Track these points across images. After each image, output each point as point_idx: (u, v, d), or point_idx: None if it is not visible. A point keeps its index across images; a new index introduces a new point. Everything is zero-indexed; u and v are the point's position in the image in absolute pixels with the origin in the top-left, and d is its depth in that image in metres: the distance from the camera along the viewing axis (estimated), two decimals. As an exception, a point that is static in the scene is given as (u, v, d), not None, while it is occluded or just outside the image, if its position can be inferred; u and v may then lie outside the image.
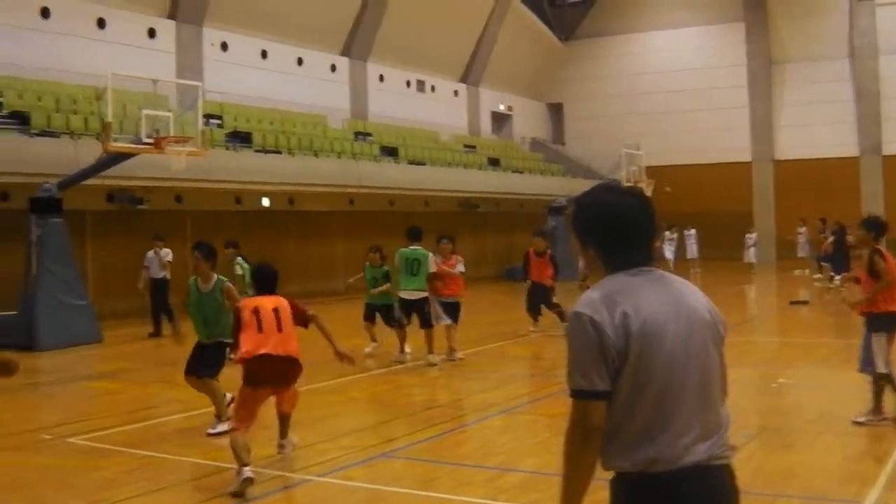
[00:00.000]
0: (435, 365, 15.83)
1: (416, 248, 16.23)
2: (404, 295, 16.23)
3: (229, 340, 10.14)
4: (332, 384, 14.24)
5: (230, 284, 11.35)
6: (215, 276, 11.08)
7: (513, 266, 40.39)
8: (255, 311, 8.94)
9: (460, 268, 16.84)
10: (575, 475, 3.51)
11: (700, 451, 3.43)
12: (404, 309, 16.31)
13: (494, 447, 10.68)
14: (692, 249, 42.22)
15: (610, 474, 3.58)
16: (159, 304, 21.40)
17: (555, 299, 20.36)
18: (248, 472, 8.33)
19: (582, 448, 3.45)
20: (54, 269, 20.20)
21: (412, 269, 16.01)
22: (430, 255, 16.22)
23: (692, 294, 3.65)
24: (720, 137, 49.69)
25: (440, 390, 13.62)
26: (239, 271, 16.90)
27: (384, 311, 16.99)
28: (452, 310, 16.61)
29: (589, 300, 3.50)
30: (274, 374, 8.96)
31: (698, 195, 47.50)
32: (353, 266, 33.82)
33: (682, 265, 38.56)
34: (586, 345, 3.42)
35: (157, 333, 21.35)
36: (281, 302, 9.12)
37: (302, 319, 9.28)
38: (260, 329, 8.84)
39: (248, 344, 8.82)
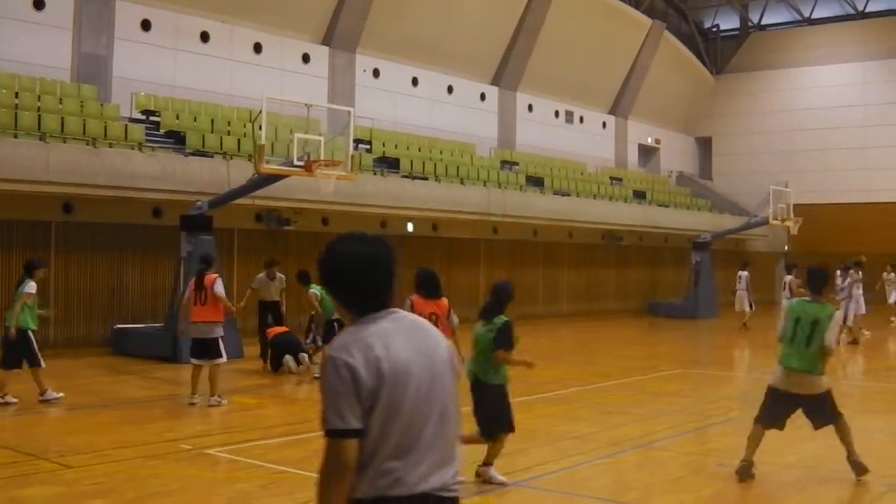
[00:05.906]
0: None
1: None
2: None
3: None
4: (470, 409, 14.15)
5: None
6: None
7: (656, 300, 40.02)
8: None
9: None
10: None
11: (433, 481, 3.65)
12: None
13: (629, 482, 10.48)
14: (893, 294, 34.42)
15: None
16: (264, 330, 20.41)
17: None
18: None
19: (335, 484, 3.59)
20: (203, 285, 20.58)
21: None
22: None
23: (433, 337, 3.84)
24: (884, 177, 48.01)
25: (578, 422, 13.43)
26: None
27: None
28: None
29: (343, 344, 3.66)
30: None
31: (860, 236, 45.45)
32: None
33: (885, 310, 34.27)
34: (341, 387, 3.58)
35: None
36: None
37: None
38: None
39: None
